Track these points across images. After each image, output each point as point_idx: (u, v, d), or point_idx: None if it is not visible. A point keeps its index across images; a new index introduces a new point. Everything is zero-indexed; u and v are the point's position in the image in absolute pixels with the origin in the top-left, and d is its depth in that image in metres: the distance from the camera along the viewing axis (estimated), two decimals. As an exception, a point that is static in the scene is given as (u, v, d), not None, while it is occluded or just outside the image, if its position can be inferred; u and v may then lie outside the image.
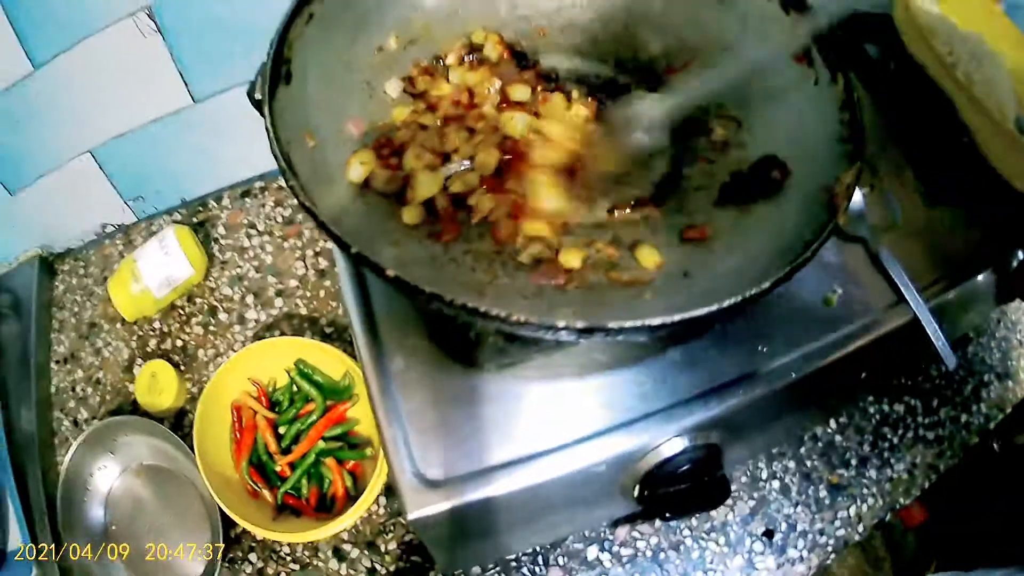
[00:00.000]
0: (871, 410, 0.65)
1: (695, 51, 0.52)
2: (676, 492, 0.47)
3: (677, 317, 0.35)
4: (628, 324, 0.35)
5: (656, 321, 0.35)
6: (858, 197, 0.56)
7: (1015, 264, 0.62)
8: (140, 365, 0.66)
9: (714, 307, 0.35)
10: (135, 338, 0.69)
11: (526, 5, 0.52)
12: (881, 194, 0.58)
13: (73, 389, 0.68)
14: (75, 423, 0.66)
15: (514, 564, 0.55)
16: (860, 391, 0.64)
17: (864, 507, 0.61)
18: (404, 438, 0.44)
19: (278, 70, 0.43)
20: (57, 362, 0.69)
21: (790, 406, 0.52)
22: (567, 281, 0.42)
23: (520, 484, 0.43)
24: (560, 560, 0.56)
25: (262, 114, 0.41)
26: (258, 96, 0.42)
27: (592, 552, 0.56)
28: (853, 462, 0.62)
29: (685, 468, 0.46)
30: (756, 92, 0.50)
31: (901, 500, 0.63)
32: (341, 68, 0.48)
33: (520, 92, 0.48)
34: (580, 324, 0.34)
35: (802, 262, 0.38)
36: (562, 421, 0.44)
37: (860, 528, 0.61)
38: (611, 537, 0.57)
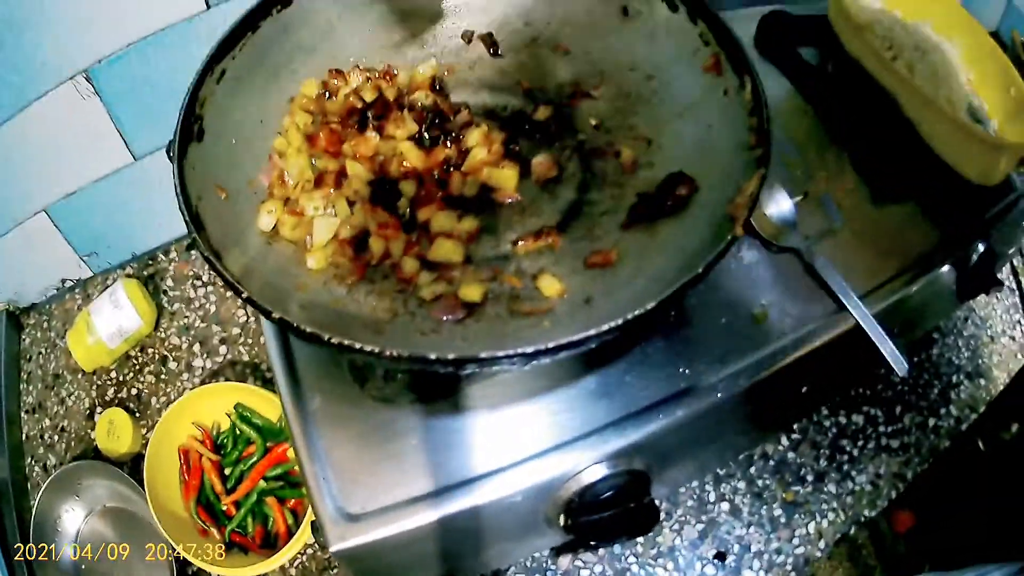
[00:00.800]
0: (826, 424, 0.62)
1: (604, 73, 0.52)
2: (603, 519, 0.45)
3: (551, 344, 0.34)
4: (500, 353, 0.34)
5: (529, 349, 0.34)
6: (787, 207, 0.54)
7: (976, 257, 0.60)
8: (100, 413, 0.68)
9: (591, 332, 0.35)
10: (94, 387, 0.71)
11: (432, 45, 0.53)
12: (817, 201, 0.57)
13: (42, 436, 0.70)
14: (44, 468, 0.68)
15: None
16: (809, 405, 0.61)
17: (824, 523, 0.59)
18: (324, 474, 0.43)
19: (189, 128, 0.44)
20: (27, 411, 0.71)
21: (723, 426, 0.51)
22: (466, 315, 0.41)
23: (438, 515, 0.42)
24: None
25: (174, 169, 0.42)
26: (171, 154, 0.43)
27: None
28: (809, 478, 0.60)
29: (608, 495, 0.45)
30: (665, 109, 0.50)
31: (866, 512, 0.60)
32: (253, 121, 0.48)
33: (406, 128, 0.48)
34: (450, 356, 0.34)
35: (691, 280, 0.37)
36: (477, 452, 0.43)
37: (821, 544, 0.58)
38: (553, 567, 0.55)
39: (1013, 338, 0.71)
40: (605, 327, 0.34)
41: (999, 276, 0.76)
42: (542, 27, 0.53)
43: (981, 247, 0.58)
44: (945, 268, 0.56)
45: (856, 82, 0.61)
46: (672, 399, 0.45)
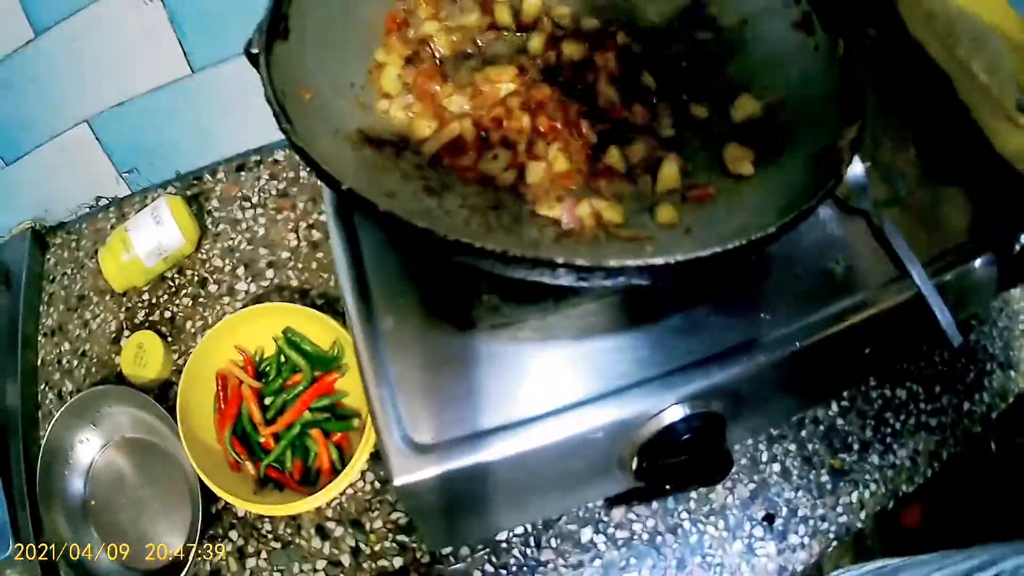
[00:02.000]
0: (873, 394, 0.61)
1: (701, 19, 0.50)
2: (676, 464, 0.43)
3: (680, 257, 0.32)
4: (630, 263, 0.32)
5: (658, 261, 0.32)
6: (860, 170, 0.53)
7: (1018, 248, 0.60)
8: (128, 337, 0.63)
9: (717, 248, 0.33)
10: (123, 310, 0.66)
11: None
12: (883, 168, 0.56)
13: (59, 362, 0.65)
14: (59, 396, 0.63)
15: (504, 546, 0.52)
16: (864, 371, 0.61)
17: (867, 493, 0.58)
18: (392, 401, 0.41)
19: (275, 25, 0.41)
20: (45, 335, 0.66)
21: (793, 378, 0.49)
22: (564, 234, 0.39)
23: (513, 450, 0.39)
24: (553, 542, 0.52)
25: (258, 69, 0.39)
26: (254, 51, 0.40)
27: (586, 534, 0.53)
28: (855, 447, 0.59)
29: (686, 437, 0.42)
30: (756, 58, 0.48)
31: (904, 488, 0.59)
32: (341, 21, 0.46)
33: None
34: (580, 262, 0.32)
35: (806, 211, 0.35)
36: (558, 386, 0.41)
37: (862, 515, 0.57)
38: (606, 519, 0.53)
39: None
40: (731, 245, 0.32)
41: None
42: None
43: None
44: (987, 256, 0.55)
45: (916, 63, 0.61)
46: (753, 344, 0.43)
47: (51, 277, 0.69)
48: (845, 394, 0.61)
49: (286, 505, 0.51)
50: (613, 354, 0.42)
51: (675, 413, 0.42)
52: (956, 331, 0.49)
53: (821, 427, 0.59)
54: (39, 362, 0.64)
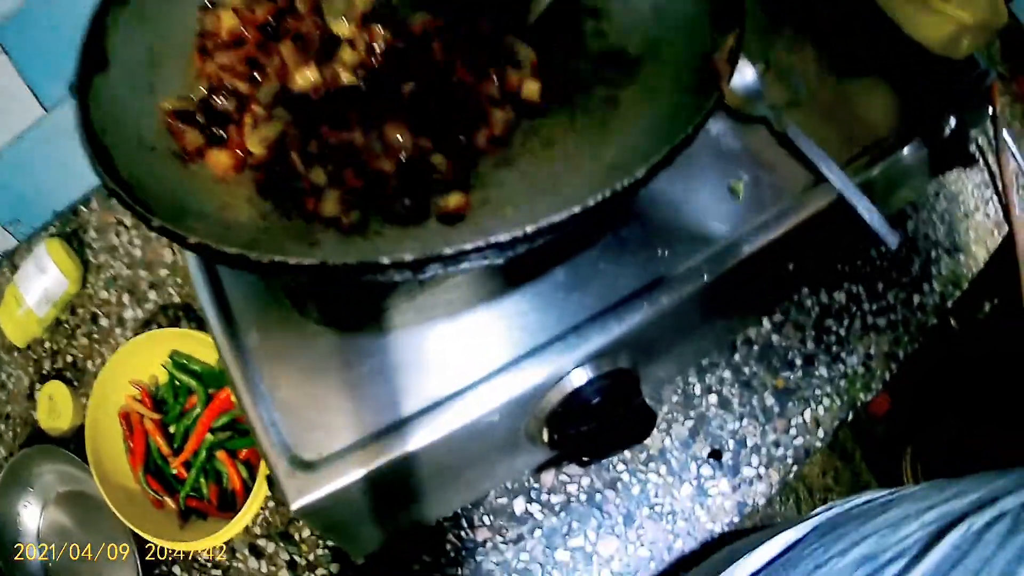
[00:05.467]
0: (808, 303, 0.58)
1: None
2: (592, 429, 0.40)
3: (529, 229, 0.27)
4: (469, 246, 0.27)
5: (504, 237, 0.27)
6: (751, 74, 0.48)
7: (948, 131, 0.54)
8: (38, 390, 0.59)
9: (575, 209, 0.28)
10: (31, 364, 0.63)
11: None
12: (779, 71, 0.50)
13: None
14: None
15: (437, 534, 0.49)
16: (793, 284, 0.57)
17: (820, 409, 0.55)
18: (271, 420, 0.37)
19: (92, 58, 0.35)
20: (-30, 401, 0.64)
21: (710, 313, 0.45)
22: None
23: (406, 449, 0.36)
24: (486, 519, 0.50)
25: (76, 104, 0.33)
26: (73, 88, 0.34)
27: (519, 505, 0.50)
28: (798, 362, 0.56)
29: (596, 401, 0.39)
30: None
31: (861, 396, 0.57)
32: (161, 45, 0.39)
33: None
34: (408, 257, 0.27)
35: (683, 141, 0.30)
36: (442, 372, 0.37)
37: (820, 433, 0.55)
38: (536, 486, 0.51)
39: (987, 215, 0.67)
40: (591, 201, 0.28)
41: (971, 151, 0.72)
42: None
43: (953, 121, 0.54)
44: (915, 143, 0.50)
45: None
46: (654, 286, 0.39)
47: (-35, 342, 0.67)
48: (776, 309, 0.57)
49: (212, 537, 0.48)
50: (497, 324, 0.38)
51: (578, 377, 0.39)
52: (889, 230, 0.45)
53: (755, 347, 0.56)
54: None
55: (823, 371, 0.56)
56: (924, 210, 0.66)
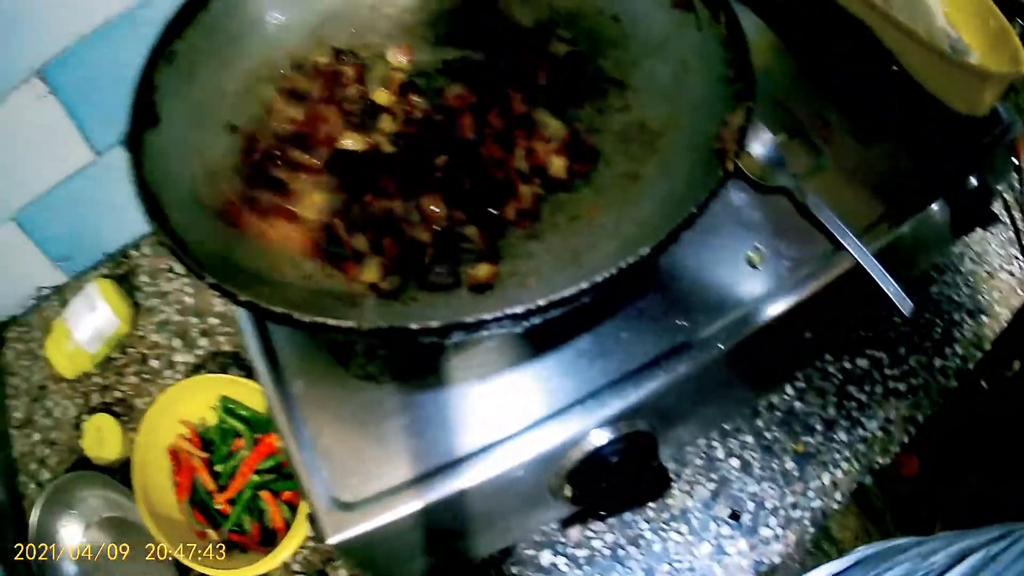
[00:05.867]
0: (831, 369, 0.60)
1: (569, 15, 0.47)
2: (611, 486, 0.42)
3: (541, 302, 0.30)
4: (488, 316, 0.30)
5: (519, 309, 0.30)
6: (771, 145, 0.50)
7: (970, 190, 0.56)
8: (85, 420, 0.63)
9: (583, 285, 0.31)
10: (79, 395, 0.67)
11: (388, 2, 0.48)
12: (802, 139, 0.53)
13: (33, 452, 0.65)
14: (39, 485, 0.63)
15: None
16: (813, 351, 0.58)
17: (839, 472, 0.56)
18: (314, 463, 0.40)
19: (143, 114, 0.39)
20: (15, 427, 0.67)
21: (728, 379, 0.47)
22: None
23: (437, 496, 0.38)
24: (513, 569, 0.52)
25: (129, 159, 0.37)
26: (126, 144, 0.38)
27: (546, 557, 0.52)
28: (818, 427, 0.57)
29: (613, 460, 0.41)
30: (635, 49, 0.46)
31: (879, 459, 0.57)
32: (211, 102, 0.44)
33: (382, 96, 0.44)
34: (434, 324, 0.30)
35: (685, 221, 0.33)
36: (472, 427, 0.40)
37: (838, 496, 0.55)
38: (563, 540, 0.52)
39: (1012, 273, 0.68)
40: (599, 278, 0.31)
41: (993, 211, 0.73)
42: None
43: (974, 180, 0.55)
44: (938, 204, 0.52)
45: (830, 14, 0.57)
46: (672, 353, 0.41)
47: (11, 371, 0.70)
48: (799, 375, 0.59)
49: (251, 568, 0.51)
50: (524, 386, 0.41)
51: (598, 438, 0.41)
52: (906, 299, 0.46)
53: (778, 413, 0.58)
54: (16, 455, 0.65)
55: (843, 436, 0.58)
56: (949, 272, 0.67)
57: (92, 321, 0.64)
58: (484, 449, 0.40)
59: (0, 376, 0.69)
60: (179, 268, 0.71)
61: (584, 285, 0.31)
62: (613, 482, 0.42)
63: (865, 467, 0.57)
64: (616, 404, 0.40)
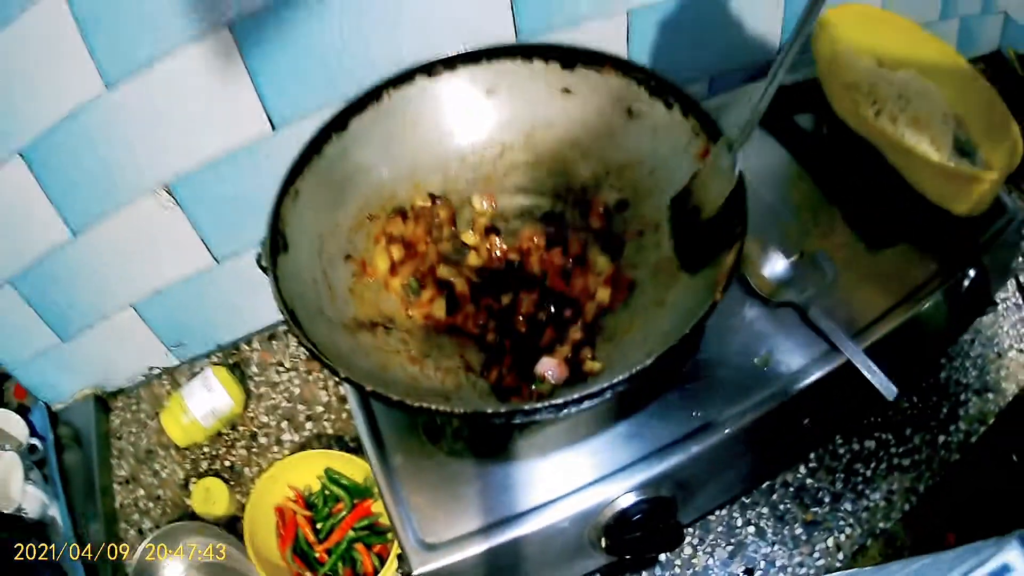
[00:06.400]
0: (840, 451, 0.83)
1: (617, 165, 0.73)
2: (636, 538, 0.66)
3: (574, 396, 0.55)
4: (537, 405, 0.55)
5: (559, 400, 0.55)
6: (783, 265, 0.75)
7: (967, 282, 0.80)
8: (194, 482, 0.90)
9: (601, 386, 0.54)
10: (188, 461, 0.94)
11: (473, 155, 0.75)
12: (812, 257, 0.77)
13: (136, 504, 0.92)
14: (140, 532, 0.90)
15: None
16: (817, 435, 0.82)
17: (842, 536, 0.79)
18: (407, 515, 0.64)
19: (276, 241, 0.66)
20: (119, 483, 0.94)
21: (735, 457, 0.71)
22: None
23: (500, 541, 0.62)
24: None
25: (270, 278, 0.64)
26: (263, 264, 0.65)
27: None
28: (826, 499, 0.80)
29: (638, 517, 0.66)
30: (668, 196, 0.72)
31: (881, 525, 0.79)
32: (329, 230, 0.70)
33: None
34: (502, 409, 0.55)
35: (680, 342, 0.57)
36: (530, 490, 0.64)
37: (840, 556, 0.78)
38: None
39: (1022, 351, 0.91)
40: (607, 383, 0.55)
41: (995, 296, 0.96)
42: (562, 130, 0.75)
43: (972, 272, 0.79)
44: (936, 297, 0.76)
45: (845, 139, 0.83)
46: (688, 437, 0.65)
47: (118, 435, 0.98)
48: (812, 455, 0.82)
49: None
50: (573, 460, 0.65)
51: (628, 499, 0.65)
52: (890, 385, 0.69)
53: (791, 488, 0.80)
54: (117, 505, 0.92)
55: (848, 506, 0.80)
56: (959, 357, 0.90)
57: (208, 400, 0.91)
58: (538, 507, 0.63)
59: (106, 438, 0.97)
60: (287, 363, 1.00)
61: (596, 389, 0.56)
62: (638, 535, 0.67)
63: (867, 531, 0.79)
64: (643, 474, 0.64)
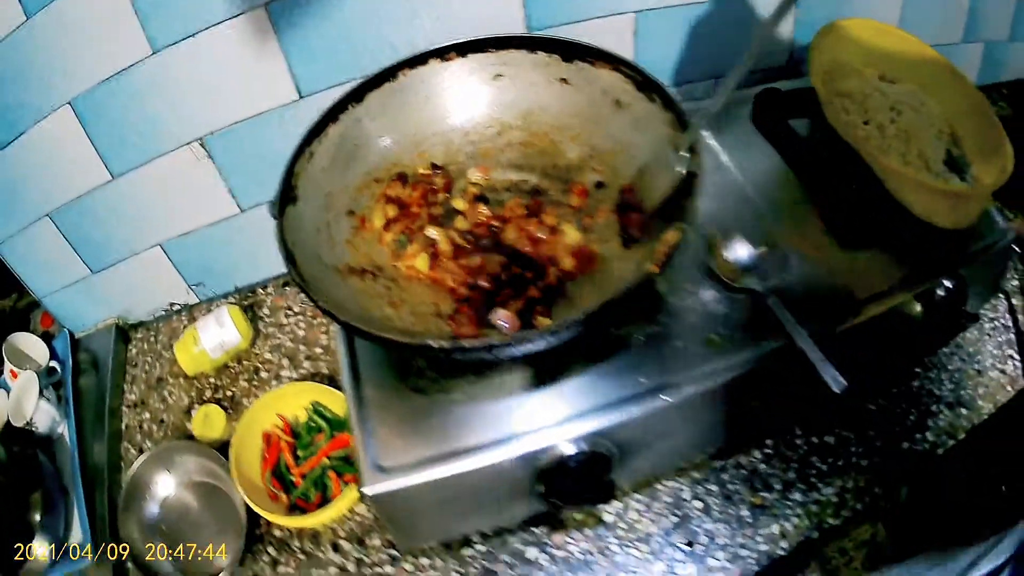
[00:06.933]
0: (798, 441, 0.99)
1: (601, 151, 0.93)
2: (570, 487, 0.85)
3: (512, 339, 0.76)
4: (478, 344, 0.75)
5: (496, 341, 0.75)
6: (746, 253, 0.93)
7: (943, 292, 0.95)
8: (197, 409, 1.13)
9: (541, 334, 0.75)
10: (194, 389, 1.18)
11: (474, 131, 0.97)
12: (779, 251, 0.95)
13: (141, 427, 1.16)
14: (140, 451, 1.13)
15: (469, 559, 0.94)
16: (770, 421, 0.99)
17: (789, 526, 0.95)
18: (368, 441, 0.84)
19: (287, 194, 0.89)
20: (128, 406, 1.19)
21: (676, 427, 0.89)
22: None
23: (447, 473, 0.81)
24: (505, 558, 0.93)
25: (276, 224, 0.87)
26: (273, 213, 0.88)
27: (532, 553, 0.93)
28: (777, 487, 0.96)
29: (575, 467, 0.84)
30: (645, 182, 0.90)
31: (830, 520, 0.95)
32: (336, 190, 0.92)
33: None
34: (446, 344, 0.75)
35: (608, 302, 0.75)
36: (482, 430, 0.83)
37: (784, 544, 0.94)
38: (549, 541, 0.94)
39: (1003, 371, 1.05)
40: (530, 334, 0.74)
41: (981, 313, 1.11)
42: (556, 115, 0.96)
43: (949, 284, 0.95)
44: (903, 303, 0.92)
45: (834, 146, 1.00)
46: (630, 399, 0.84)
47: (134, 364, 1.23)
48: (769, 442, 0.99)
49: (305, 518, 0.96)
50: (524, 407, 0.84)
51: (567, 449, 0.84)
52: (835, 378, 0.85)
53: (743, 471, 0.97)
54: (123, 427, 1.16)
55: (798, 496, 0.95)
56: (935, 369, 1.06)
57: (219, 335, 1.16)
58: (486, 445, 0.82)
59: (122, 365, 1.23)
60: (296, 308, 1.24)
61: (540, 332, 0.76)
62: (573, 485, 0.86)
63: (814, 525, 0.95)
64: (583, 427, 0.82)
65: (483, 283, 0.86)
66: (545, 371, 0.86)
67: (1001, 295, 1.13)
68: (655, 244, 0.79)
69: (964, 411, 1.03)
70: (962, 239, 0.96)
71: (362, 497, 0.95)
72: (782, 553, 0.94)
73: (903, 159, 0.95)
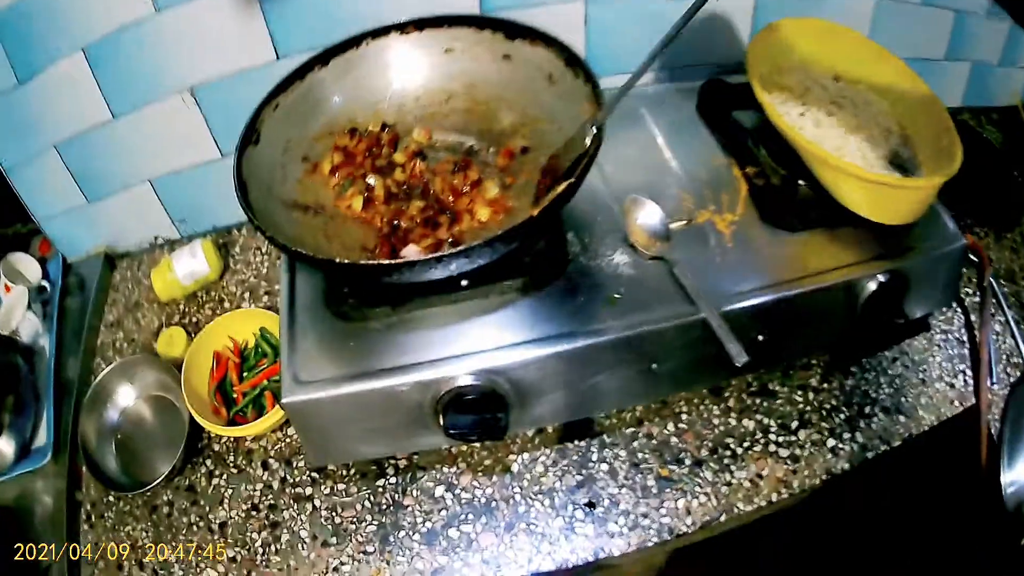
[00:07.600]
0: (715, 421, 1.20)
1: (532, 119, 1.21)
2: (464, 419, 1.08)
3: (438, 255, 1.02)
4: (363, 262, 1.02)
5: (414, 258, 1.02)
6: (659, 222, 1.16)
7: (875, 287, 1.15)
8: (164, 330, 1.45)
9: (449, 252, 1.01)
10: (164, 314, 1.52)
11: (424, 96, 1.27)
12: (698, 227, 1.18)
13: (114, 344, 1.48)
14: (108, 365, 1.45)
15: (380, 489, 1.18)
16: (670, 386, 1.21)
17: (695, 503, 1.14)
18: (293, 358, 1.10)
19: (249, 135, 1.18)
20: (105, 326, 1.52)
21: (570, 377, 1.11)
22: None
23: (354, 391, 1.07)
24: (414, 493, 1.17)
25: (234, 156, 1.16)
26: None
27: (440, 491, 1.17)
28: (687, 462, 1.16)
29: (471, 399, 1.07)
30: (564, 148, 1.15)
31: (740, 505, 1.15)
32: (295, 137, 1.22)
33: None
34: (385, 261, 1.03)
35: (496, 237, 1.02)
36: (392, 356, 1.07)
37: (689, 521, 1.13)
38: (456, 483, 1.17)
39: (952, 385, 1.23)
40: (455, 250, 1.01)
41: (928, 319, 1.32)
42: (497, 86, 1.25)
43: (881, 277, 1.15)
44: (820, 290, 1.13)
45: (771, 137, 1.21)
46: (524, 343, 1.07)
47: (116, 288, 1.58)
48: (684, 416, 1.20)
49: (240, 428, 1.24)
50: (431, 339, 1.09)
51: (464, 381, 1.08)
52: (739, 350, 1.06)
53: (654, 441, 1.18)
54: (99, 344, 1.49)
55: (708, 475, 1.15)
56: (873, 371, 1.24)
57: (191, 265, 1.48)
58: (390, 370, 1.07)
59: (106, 290, 1.56)
60: (264, 248, 1.57)
61: (452, 251, 1.02)
62: (468, 420, 1.10)
63: (724, 507, 1.14)
64: (480, 364, 1.05)
65: (403, 223, 1.13)
66: (453, 311, 1.11)
67: (959, 309, 1.31)
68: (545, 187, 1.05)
69: (902, 418, 1.21)
70: (897, 236, 1.17)
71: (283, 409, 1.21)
72: (685, 529, 1.15)
73: (838, 152, 1.16)
